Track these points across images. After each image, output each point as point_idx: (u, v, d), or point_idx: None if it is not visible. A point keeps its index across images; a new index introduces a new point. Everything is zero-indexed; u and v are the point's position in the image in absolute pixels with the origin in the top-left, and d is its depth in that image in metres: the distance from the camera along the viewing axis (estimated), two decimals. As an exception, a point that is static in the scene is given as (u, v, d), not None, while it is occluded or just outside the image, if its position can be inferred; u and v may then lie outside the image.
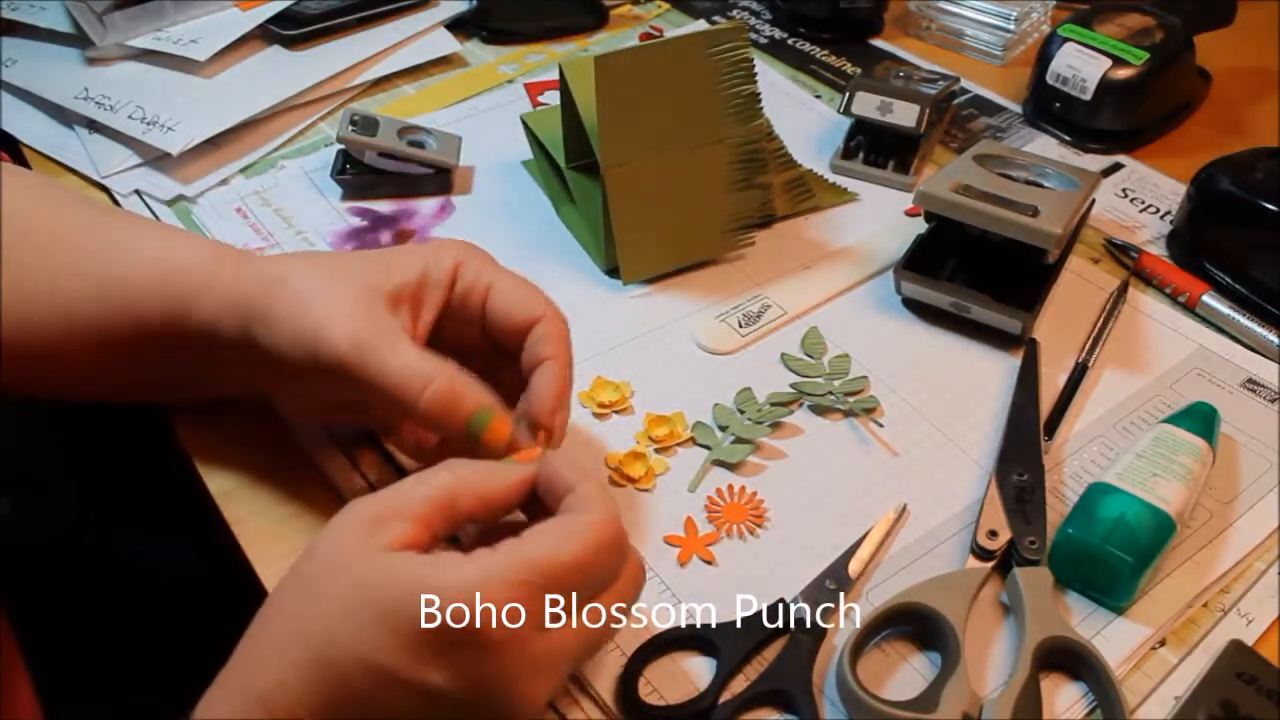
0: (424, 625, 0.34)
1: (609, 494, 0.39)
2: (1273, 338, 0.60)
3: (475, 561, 0.35)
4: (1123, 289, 0.63)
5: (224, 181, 0.70)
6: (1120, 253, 0.67)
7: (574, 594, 0.37)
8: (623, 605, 0.39)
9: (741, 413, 0.55)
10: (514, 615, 0.34)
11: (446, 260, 0.46)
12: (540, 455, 0.42)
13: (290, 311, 0.43)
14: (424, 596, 0.34)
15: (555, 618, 0.36)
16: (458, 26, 0.86)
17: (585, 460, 0.53)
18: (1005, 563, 0.48)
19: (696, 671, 0.44)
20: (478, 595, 0.34)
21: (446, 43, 0.84)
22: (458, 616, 0.34)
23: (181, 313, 0.45)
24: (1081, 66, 0.75)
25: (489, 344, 0.47)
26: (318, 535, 0.37)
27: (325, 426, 0.52)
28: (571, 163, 0.67)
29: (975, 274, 0.61)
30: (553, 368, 0.45)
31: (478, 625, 0.34)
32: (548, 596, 0.35)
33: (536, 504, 0.41)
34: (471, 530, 0.41)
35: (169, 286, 0.46)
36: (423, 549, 0.36)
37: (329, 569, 0.36)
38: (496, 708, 0.35)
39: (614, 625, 0.38)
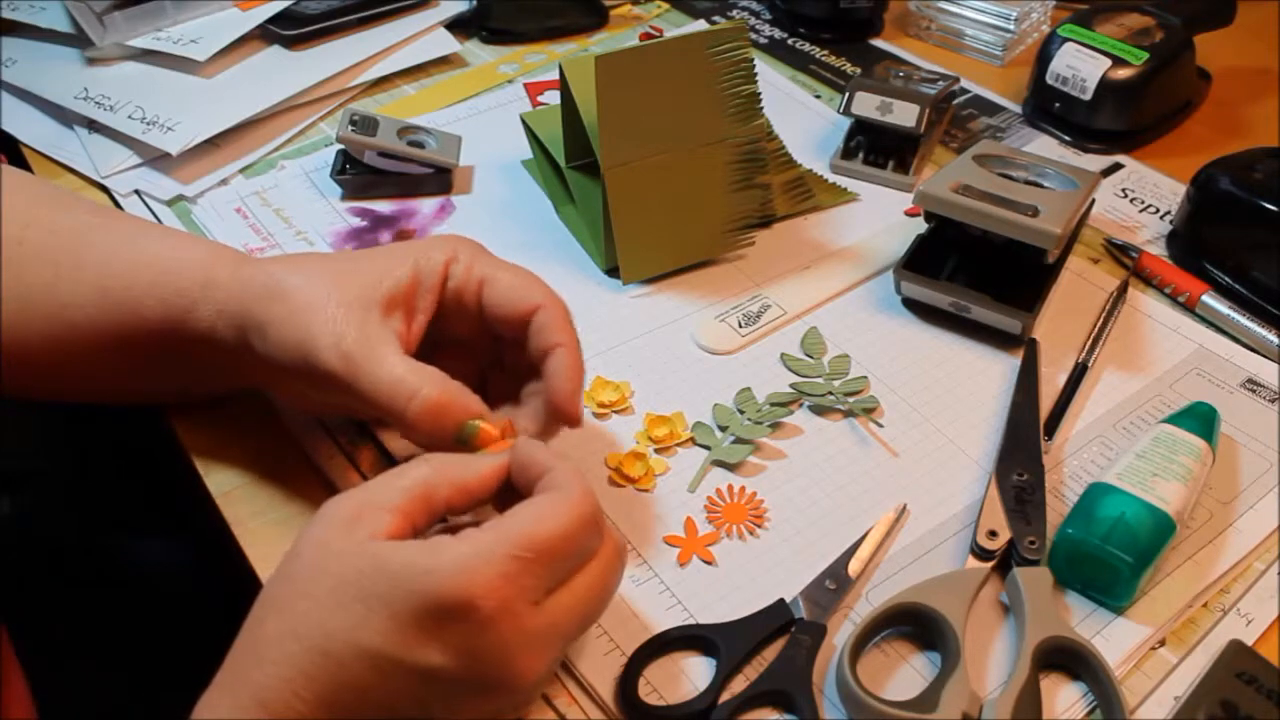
0: (419, 606, 0.34)
1: (582, 474, 0.39)
2: (1272, 338, 0.60)
3: (465, 540, 0.35)
4: (1123, 289, 0.63)
5: (224, 181, 0.70)
6: (1120, 253, 0.67)
7: (563, 570, 0.37)
8: (607, 579, 0.39)
9: (741, 413, 0.55)
10: (507, 589, 0.35)
11: (437, 259, 0.46)
12: (511, 444, 0.42)
13: (282, 324, 0.43)
14: (417, 577, 0.34)
15: (547, 591, 0.37)
16: (458, 26, 0.86)
17: (585, 460, 0.53)
18: (1005, 563, 0.48)
19: (696, 671, 0.44)
20: (472, 570, 0.34)
21: (446, 43, 0.84)
22: (452, 594, 0.34)
23: (179, 320, 0.46)
24: (1081, 66, 0.75)
25: (487, 334, 0.48)
26: (299, 535, 0.37)
27: (324, 424, 0.52)
28: (571, 162, 0.67)
29: (975, 274, 0.61)
30: (563, 354, 0.45)
31: (472, 602, 0.34)
32: (538, 570, 0.36)
33: (507, 494, 0.41)
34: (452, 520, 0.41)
35: (166, 295, 0.46)
36: (406, 539, 0.37)
37: (316, 564, 0.36)
38: (496, 685, 0.35)
39: (602, 600, 0.39)
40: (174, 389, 0.52)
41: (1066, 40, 0.76)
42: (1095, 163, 0.75)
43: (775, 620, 0.45)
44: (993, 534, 0.48)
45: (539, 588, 0.36)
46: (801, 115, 0.79)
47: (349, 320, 0.43)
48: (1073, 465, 0.54)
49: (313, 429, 0.52)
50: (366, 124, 0.68)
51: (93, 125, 0.73)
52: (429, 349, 0.47)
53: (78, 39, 0.77)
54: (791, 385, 0.57)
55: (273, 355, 0.44)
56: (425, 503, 0.38)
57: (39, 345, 0.47)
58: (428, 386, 0.42)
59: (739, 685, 0.44)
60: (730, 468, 0.53)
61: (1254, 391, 0.58)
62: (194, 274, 0.46)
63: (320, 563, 0.36)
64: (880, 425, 0.55)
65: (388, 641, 0.34)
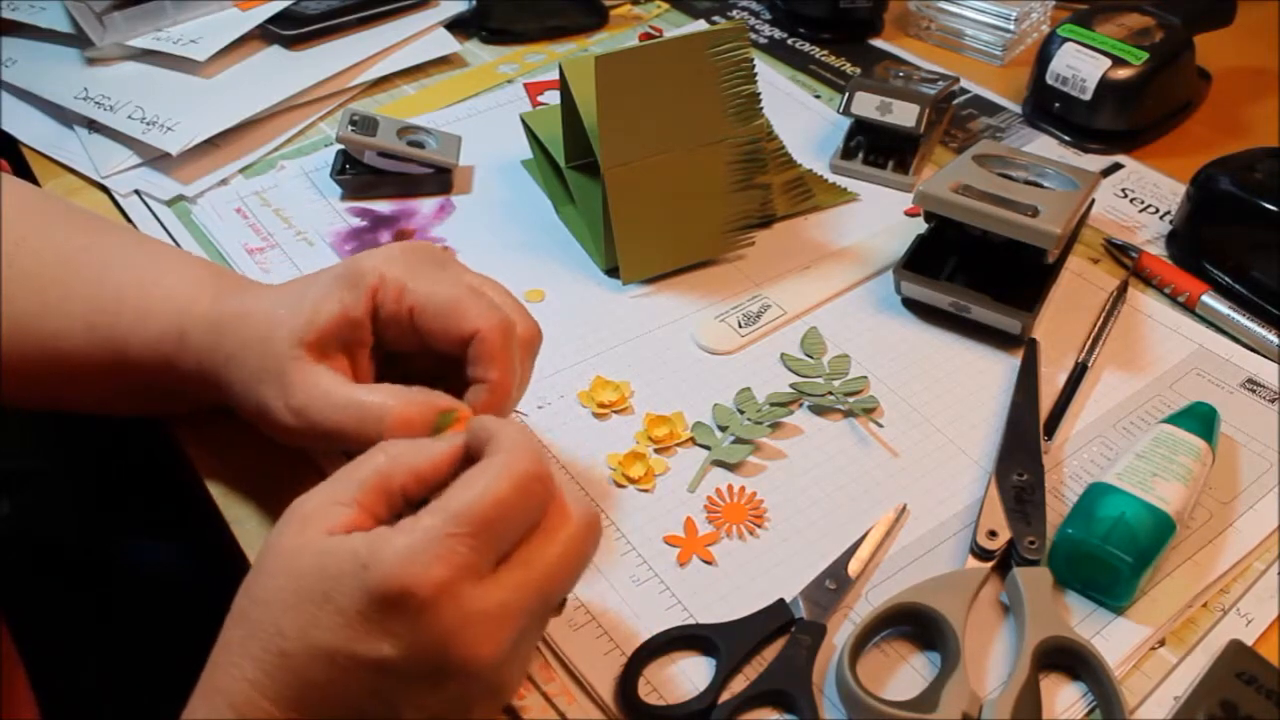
0: (362, 600, 0.34)
1: (526, 433, 0.38)
2: (1272, 338, 0.60)
3: (402, 530, 0.35)
4: (1122, 289, 0.63)
5: (224, 181, 0.70)
6: (1120, 253, 0.67)
7: (504, 536, 0.36)
8: (565, 548, 0.37)
9: (741, 413, 0.55)
10: (442, 571, 0.34)
11: (363, 287, 0.44)
12: (467, 422, 0.41)
13: (238, 390, 0.45)
14: (357, 572, 0.34)
15: (492, 563, 0.36)
16: (458, 26, 0.86)
17: (585, 460, 0.53)
18: (1005, 563, 0.48)
19: (696, 671, 0.44)
20: (409, 560, 0.34)
21: (446, 43, 0.84)
22: (390, 585, 0.34)
23: (164, 364, 0.47)
24: (1081, 66, 0.75)
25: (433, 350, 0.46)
26: (265, 538, 0.37)
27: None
28: (571, 162, 0.67)
29: (975, 274, 0.61)
30: (480, 393, 0.43)
31: (409, 589, 0.34)
32: (474, 544, 0.35)
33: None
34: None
35: (148, 339, 0.47)
36: (363, 531, 0.36)
37: (271, 567, 0.36)
38: (452, 670, 0.35)
39: (559, 569, 0.37)
40: (167, 407, 0.53)
41: (1066, 40, 0.76)
42: (1095, 163, 0.75)
43: (775, 620, 0.45)
44: (993, 534, 0.48)
45: (481, 562, 0.35)
46: (801, 115, 0.79)
47: (287, 374, 0.43)
48: (1073, 465, 0.54)
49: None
50: (366, 124, 0.68)
51: (93, 125, 0.73)
52: (382, 365, 0.46)
53: (78, 39, 0.77)
54: (791, 385, 0.57)
55: (243, 414, 0.46)
56: (382, 493, 0.38)
57: (33, 366, 0.48)
58: (391, 403, 0.42)
59: (739, 685, 0.44)
60: (730, 468, 0.53)
61: (1254, 391, 0.58)
62: (171, 318, 0.47)
63: (275, 565, 0.36)
64: (880, 425, 0.55)
65: (338, 637, 0.34)
